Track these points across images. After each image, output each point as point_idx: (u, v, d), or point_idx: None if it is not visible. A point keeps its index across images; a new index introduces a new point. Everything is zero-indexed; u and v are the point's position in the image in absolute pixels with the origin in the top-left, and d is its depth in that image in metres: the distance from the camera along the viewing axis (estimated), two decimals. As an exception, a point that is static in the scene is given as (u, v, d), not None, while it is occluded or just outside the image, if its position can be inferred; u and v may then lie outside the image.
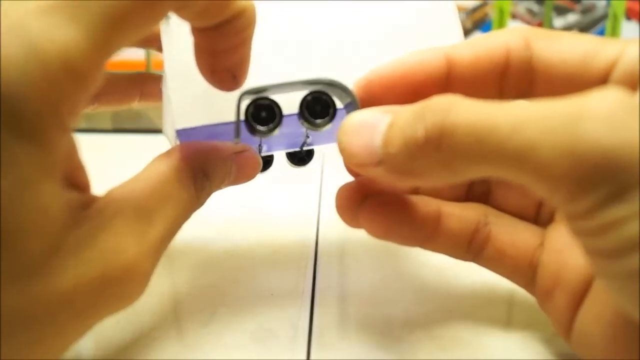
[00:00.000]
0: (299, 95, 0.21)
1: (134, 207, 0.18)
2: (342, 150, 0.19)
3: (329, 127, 0.21)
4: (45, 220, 0.16)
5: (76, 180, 0.18)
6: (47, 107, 0.15)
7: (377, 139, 0.18)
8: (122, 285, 0.17)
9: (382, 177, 0.18)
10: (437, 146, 0.16)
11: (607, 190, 0.14)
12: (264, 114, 0.21)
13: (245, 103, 0.21)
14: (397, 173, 0.18)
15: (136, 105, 0.29)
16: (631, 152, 0.14)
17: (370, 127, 0.18)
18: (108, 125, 0.49)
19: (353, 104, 0.20)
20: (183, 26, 0.20)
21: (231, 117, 0.21)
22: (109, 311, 0.18)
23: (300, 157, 0.26)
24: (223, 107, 0.21)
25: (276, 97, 0.21)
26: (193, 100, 0.21)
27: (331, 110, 0.21)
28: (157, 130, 0.21)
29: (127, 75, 0.29)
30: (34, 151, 0.15)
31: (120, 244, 0.17)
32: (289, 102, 0.21)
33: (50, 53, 0.15)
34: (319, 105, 0.21)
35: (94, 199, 0.18)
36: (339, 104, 0.21)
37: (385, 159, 0.18)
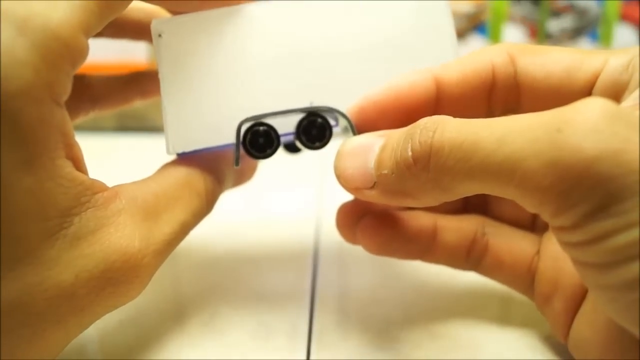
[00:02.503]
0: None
1: (143, 205, 0.18)
2: (339, 176, 0.20)
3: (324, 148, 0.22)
4: (44, 202, 0.15)
5: (75, 159, 0.18)
6: (40, 81, 0.15)
7: (371, 162, 0.18)
8: (123, 282, 0.17)
9: (377, 199, 0.19)
10: (426, 165, 0.16)
11: (592, 203, 0.14)
12: (261, 140, 0.21)
13: (243, 129, 0.21)
14: (391, 194, 0.18)
15: (138, 103, 0.29)
16: (616, 162, 0.13)
17: (364, 150, 0.19)
18: (112, 125, 0.49)
19: (350, 129, 0.21)
20: (176, 39, 0.20)
21: (228, 136, 0.21)
22: (109, 306, 0.18)
23: (296, 147, 0.26)
24: (220, 125, 0.21)
25: (273, 119, 0.21)
26: (190, 120, 0.21)
27: (327, 133, 0.21)
28: (161, 130, 0.21)
29: (125, 75, 0.29)
30: (30, 126, 0.15)
31: (125, 240, 0.17)
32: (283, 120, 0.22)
33: (39, 28, 0.15)
34: (315, 129, 0.21)
35: (100, 186, 0.18)
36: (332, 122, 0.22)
37: (378, 181, 0.18)
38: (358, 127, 0.21)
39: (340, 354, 0.22)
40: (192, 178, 0.20)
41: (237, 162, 0.21)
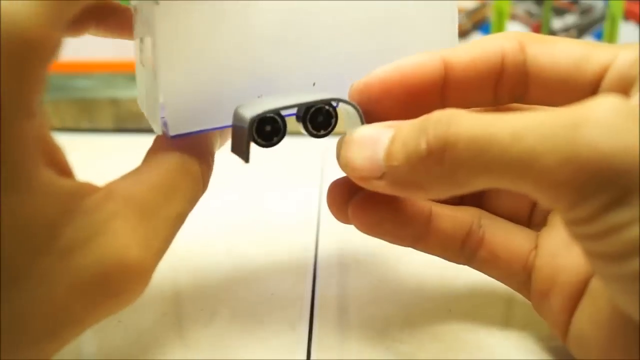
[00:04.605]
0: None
1: (139, 203, 0.17)
2: (345, 165, 0.19)
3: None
4: (28, 218, 0.14)
5: (58, 164, 0.17)
6: (7, 93, 0.14)
7: (380, 153, 0.18)
8: (122, 291, 0.17)
9: (385, 189, 0.18)
10: (440, 159, 0.16)
11: (608, 196, 0.14)
12: (268, 128, 0.20)
13: (250, 117, 0.19)
14: (400, 186, 0.18)
15: (92, 33, 0.25)
16: (630, 158, 0.14)
17: (372, 141, 0.18)
18: (109, 125, 0.49)
19: (358, 119, 0.20)
20: (175, 8, 0.19)
21: (229, 117, 0.20)
22: (107, 314, 0.17)
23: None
24: (222, 105, 0.20)
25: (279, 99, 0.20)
26: (190, 100, 0.20)
27: (333, 122, 0.21)
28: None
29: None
30: (7, 138, 0.14)
31: (122, 248, 0.16)
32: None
33: (5, 29, 0.14)
34: (321, 116, 0.21)
35: (89, 189, 0.16)
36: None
37: (387, 172, 0.18)
38: (362, 105, 0.20)
39: (340, 354, 0.22)
40: (187, 162, 0.19)
41: (248, 159, 0.20)
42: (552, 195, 0.15)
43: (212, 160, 0.21)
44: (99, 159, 0.41)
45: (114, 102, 0.48)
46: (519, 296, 0.23)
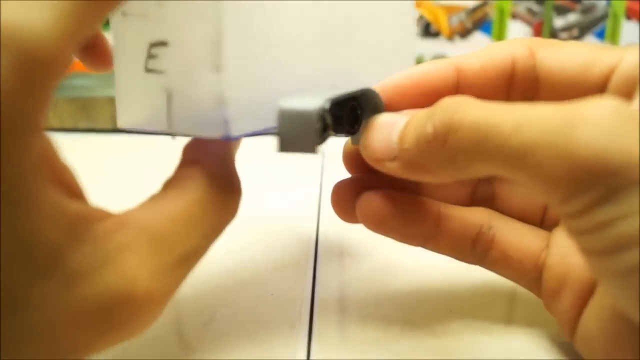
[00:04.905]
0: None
1: (154, 234, 0.16)
2: (365, 148, 0.20)
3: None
4: (30, 240, 0.14)
5: (67, 185, 0.16)
6: (14, 110, 0.13)
7: (395, 136, 0.19)
8: (131, 323, 0.16)
9: (397, 172, 0.19)
10: (443, 142, 0.17)
11: (598, 192, 0.15)
12: (346, 115, 0.20)
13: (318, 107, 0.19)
14: (410, 168, 0.19)
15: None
16: (622, 156, 0.14)
17: (390, 125, 0.20)
18: (108, 125, 0.49)
19: (380, 108, 0.21)
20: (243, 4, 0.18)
21: (270, 117, 0.19)
22: (112, 342, 0.16)
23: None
24: (269, 106, 0.19)
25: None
26: (249, 97, 0.19)
27: (360, 119, 0.21)
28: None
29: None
30: (5, 163, 0.13)
31: (132, 281, 0.15)
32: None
33: (11, 44, 0.13)
34: (353, 114, 0.21)
35: (100, 215, 0.16)
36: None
37: (399, 155, 0.19)
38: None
39: (340, 354, 0.22)
40: (211, 192, 0.18)
41: (317, 150, 0.19)
42: (546, 188, 0.16)
43: (239, 183, 0.20)
44: (97, 159, 0.41)
45: (113, 101, 0.48)
46: (519, 296, 0.23)
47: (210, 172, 0.19)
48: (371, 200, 0.22)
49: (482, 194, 0.24)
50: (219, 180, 0.19)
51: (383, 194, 0.22)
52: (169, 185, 0.19)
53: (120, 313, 0.15)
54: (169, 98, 0.20)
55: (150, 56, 0.20)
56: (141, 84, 0.20)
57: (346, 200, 0.22)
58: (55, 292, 0.14)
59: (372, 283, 0.27)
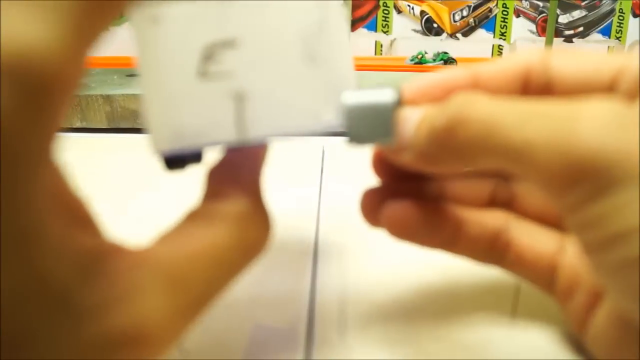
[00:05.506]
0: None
1: (170, 273, 0.16)
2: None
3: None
4: (40, 278, 0.13)
5: (79, 218, 0.15)
6: (18, 140, 0.11)
7: (411, 128, 0.20)
8: (136, 357, 0.15)
9: (410, 161, 0.20)
10: (451, 135, 0.18)
11: (592, 186, 0.15)
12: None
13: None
14: (422, 158, 0.20)
15: None
16: (616, 151, 0.15)
17: (409, 117, 0.20)
18: (103, 124, 0.48)
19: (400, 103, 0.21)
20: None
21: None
22: None
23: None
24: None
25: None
26: (284, 102, 0.19)
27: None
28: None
29: None
30: (9, 199, 0.12)
31: (144, 319, 0.15)
32: None
33: (13, 62, 0.11)
34: None
35: (115, 251, 0.15)
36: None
37: (414, 145, 0.20)
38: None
39: (340, 354, 0.22)
40: (239, 228, 0.18)
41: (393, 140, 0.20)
42: (544, 182, 0.17)
43: (269, 217, 0.20)
44: (93, 159, 0.40)
45: (108, 100, 0.47)
46: (521, 296, 0.23)
47: (240, 208, 0.18)
48: (395, 210, 0.22)
49: (502, 195, 0.24)
50: (248, 218, 0.18)
51: (406, 204, 0.22)
52: (193, 219, 0.18)
53: (128, 353, 0.15)
54: (240, 101, 0.19)
55: (208, 59, 0.18)
56: (190, 93, 0.19)
57: (373, 206, 0.23)
58: (64, 330, 0.14)
59: (372, 283, 0.27)
